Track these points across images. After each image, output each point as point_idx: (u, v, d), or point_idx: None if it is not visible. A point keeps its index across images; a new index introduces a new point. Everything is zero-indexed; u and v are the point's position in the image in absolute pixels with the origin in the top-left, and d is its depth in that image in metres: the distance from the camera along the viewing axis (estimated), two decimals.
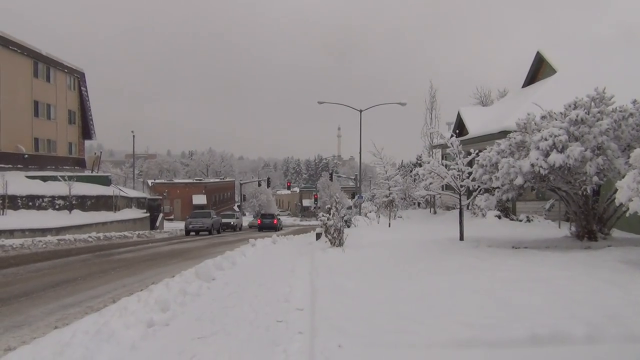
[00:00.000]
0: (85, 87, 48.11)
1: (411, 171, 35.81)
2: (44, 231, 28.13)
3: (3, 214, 29.33)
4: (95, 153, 53.81)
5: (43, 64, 41.54)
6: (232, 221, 48.17)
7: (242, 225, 51.11)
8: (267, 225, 49.38)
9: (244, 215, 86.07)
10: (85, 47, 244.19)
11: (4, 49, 36.71)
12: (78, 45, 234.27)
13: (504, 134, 18.24)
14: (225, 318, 7.47)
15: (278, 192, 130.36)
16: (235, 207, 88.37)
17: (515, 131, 14.47)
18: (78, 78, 47.25)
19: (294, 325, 6.89)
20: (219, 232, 41.93)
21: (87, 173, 45.43)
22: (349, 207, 34.64)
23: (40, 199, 33.19)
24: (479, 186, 15.56)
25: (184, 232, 40.53)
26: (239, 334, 6.58)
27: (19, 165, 37.19)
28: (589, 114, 12.82)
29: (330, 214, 16.47)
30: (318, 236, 20.52)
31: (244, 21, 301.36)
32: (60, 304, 9.46)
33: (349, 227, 22.02)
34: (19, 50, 38.19)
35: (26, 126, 39.36)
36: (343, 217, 17.72)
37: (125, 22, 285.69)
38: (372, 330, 5.91)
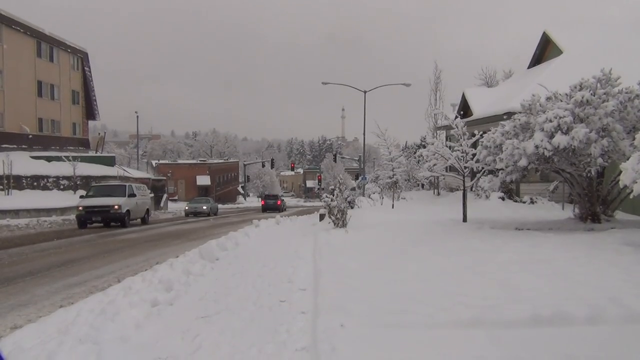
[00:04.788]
0: (89, 67, 47.98)
1: (415, 152, 35.78)
2: (49, 211, 28.34)
3: (8, 194, 29.50)
4: (99, 133, 54.02)
5: (46, 44, 41.40)
6: (116, 204, 23.86)
7: (147, 213, 28.30)
8: (270, 206, 49.44)
9: (248, 195, 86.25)
10: (88, 27, 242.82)
11: (8, 28, 36.57)
12: (81, 25, 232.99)
13: (508, 115, 18.15)
14: (229, 298, 7.52)
15: (282, 173, 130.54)
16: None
17: (520, 112, 14.39)
18: (81, 58, 47.11)
19: (296, 305, 6.93)
20: None
21: (91, 153, 45.57)
22: (353, 188, 34.66)
23: (45, 179, 33.36)
24: (482, 168, 15.53)
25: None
26: (242, 313, 6.63)
27: (23, 146, 37.28)
28: (594, 96, 12.73)
29: (333, 195, 16.49)
30: (321, 217, 20.56)
31: (247, 1, 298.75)
32: (66, 283, 9.54)
33: (352, 208, 22.06)
34: (22, 30, 38.05)
35: (30, 106, 39.36)
36: (346, 198, 17.73)
37: (128, 2, 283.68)
38: (375, 310, 5.94)
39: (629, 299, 5.89)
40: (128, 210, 24.42)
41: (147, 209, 28.18)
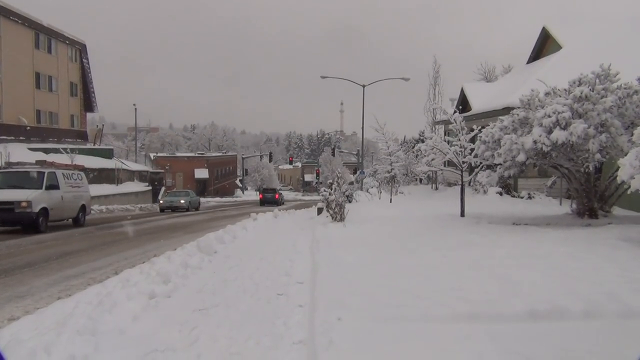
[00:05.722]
0: (87, 59, 47.83)
1: (413, 147, 35.77)
2: None
3: None
4: (97, 126, 53.90)
5: (44, 35, 41.25)
6: (23, 200, 16.92)
7: (83, 212, 20.74)
8: (268, 199, 49.44)
9: (246, 189, 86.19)
10: (86, 18, 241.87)
11: (5, 19, 36.42)
12: (79, 16, 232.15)
13: (507, 110, 18.14)
14: (226, 290, 7.54)
15: (280, 167, 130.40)
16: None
17: (518, 108, 14.40)
18: (79, 49, 46.96)
19: (294, 298, 6.96)
20: None
21: (89, 146, 45.52)
22: (351, 183, 34.61)
23: None
24: (481, 162, 15.56)
25: None
26: (239, 306, 6.64)
27: (20, 137, 37.21)
28: (593, 91, 12.73)
29: (331, 189, 16.51)
30: (319, 211, 20.58)
31: None
32: (63, 275, 9.54)
33: (350, 202, 22.06)
34: (20, 21, 37.90)
35: (28, 98, 39.25)
36: (344, 192, 17.76)
37: None
38: (372, 304, 5.95)
39: (625, 294, 5.92)
40: (45, 209, 17.50)
41: (83, 206, 20.64)
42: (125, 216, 27.31)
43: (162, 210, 34.40)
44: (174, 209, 34.36)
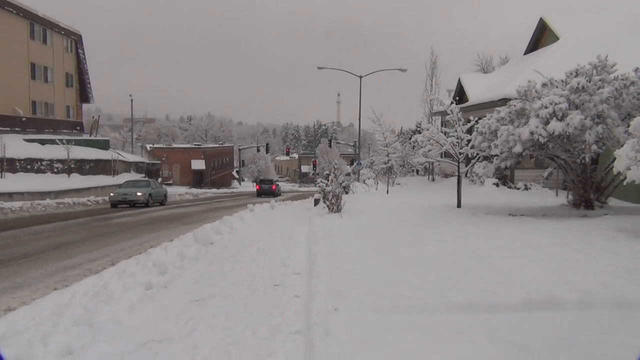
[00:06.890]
0: (83, 50, 47.50)
1: (410, 138, 35.79)
2: (43, 194, 28.20)
3: (2, 177, 29.37)
4: (93, 117, 53.60)
5: (39, 26, 40.91)
6: None
7: None
8: (265, 191, 49.38)
9: (243, 180, 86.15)
10: (82, 8, 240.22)
11: (0, 9, 36.11)
12: (75, 6, 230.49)
13: (504, 101, 18.11)
14: (223, 281, 7.54)
15: (277, 158, 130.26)
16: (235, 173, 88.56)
17: (515, 99, 14.38)
18: (75, 40, 46.63)
19: (291, 288, 6.96)
20: None
21: (85, 137, 45.29)
22: (348, 174, 34.58)
23: (39, 162, 33.17)
24: (477, 154, 15.54)
25: (183, 197, 38.27)
26: (236, 297, 6.65)
27: (16, 128, 37.00)
28: (590, 82, 12.72)
29: (328, 180, 16.49)
30: (316, 202, 20.58)
31: None
32: (60, 266, 9.54)
33: (347, 193, 22.06)
34: (14, 11, 37.57)
35: (23, 89, 39.00)
36: (341, 183, 17.74)
37: None
38: (369, 294, 5.97)
39: (620, 285, 5.95)
40: None
41: None
42: (121, 207, 27.20)
43: (113, 205, 26.73)
44: (131, 203, 26.96)
